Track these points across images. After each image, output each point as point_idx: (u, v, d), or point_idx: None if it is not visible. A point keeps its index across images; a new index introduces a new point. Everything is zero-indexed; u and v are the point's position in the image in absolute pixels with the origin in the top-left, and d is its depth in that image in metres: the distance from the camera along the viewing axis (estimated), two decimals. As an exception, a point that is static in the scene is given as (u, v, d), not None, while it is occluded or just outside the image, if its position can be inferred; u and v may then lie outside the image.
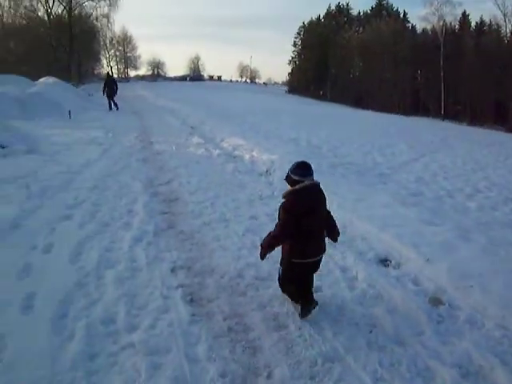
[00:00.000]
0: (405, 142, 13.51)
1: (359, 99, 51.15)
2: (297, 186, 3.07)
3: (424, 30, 53.28)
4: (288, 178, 3.16)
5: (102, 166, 8.30)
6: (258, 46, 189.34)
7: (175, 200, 6.24)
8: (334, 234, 3.45)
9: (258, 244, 3.47)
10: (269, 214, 5.65)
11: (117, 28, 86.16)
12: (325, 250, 3.35)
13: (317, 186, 3.20)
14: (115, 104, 19.99)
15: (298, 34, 69.24)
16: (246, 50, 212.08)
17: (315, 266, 3.37)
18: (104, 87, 19.86)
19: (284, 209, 3.07)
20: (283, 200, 3.16)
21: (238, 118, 17.69)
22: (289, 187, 3.19)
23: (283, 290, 3.52)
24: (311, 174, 3.14)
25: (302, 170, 3.11)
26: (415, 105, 48.87)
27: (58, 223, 5.13)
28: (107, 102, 19.92)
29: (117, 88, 19.95)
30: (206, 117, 16.76)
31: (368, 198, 6.28)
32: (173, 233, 5.04)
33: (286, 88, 74.23)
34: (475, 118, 40.27)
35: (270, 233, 3.24)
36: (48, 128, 12.97)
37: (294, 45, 69.82)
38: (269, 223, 5.31)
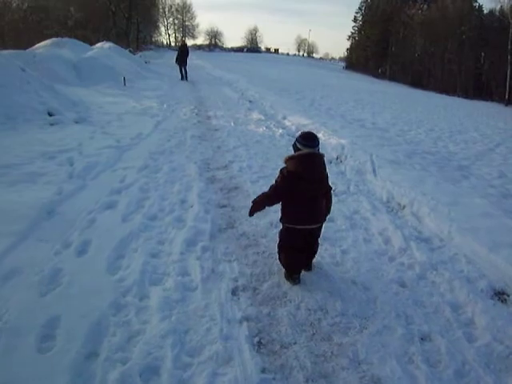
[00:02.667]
0: (475, 129, 12.23)
1: (419, 79, 48.64)
2: (295, 154, 3.12)
3: (491, 11, 49.14)
4: (294, 146, 3.19)
5: (154, 142, 7.46)
6: (318, 20, 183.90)
7: (235, 189, 5.27)
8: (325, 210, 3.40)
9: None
10: (348, 217, 4.59)
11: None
12: (322, 219, 3.31)
13: (316, 155, 3.15)
14: (186, 73, 19.50)
15: (360, 9, 66.04)
16: (305, 24, 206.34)
17: (312, 235, 3.32)
18: (177, 55, 19.51)
19: (281, 172, 3.14)
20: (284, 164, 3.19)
21: (297, 92, 16.79)
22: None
23: (279, 258, 3.42)
24: (315, 146, 3.13)
25: (306, 140, 3.12)
26: (478, 88, 45.77)
27: (100, 213, 4.30)
28: (178, 70, 19.62)
29: (186, 56, 19.52)
30: (265, 90, 15.74)
31: (460, 200, 5.01)
32: (233, 235, 4.08)
33: (343, 64, 71.48)
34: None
35: (263, 192, 3.28)
36: (101, 95, 12.39)
37: (355, 20, 66.76)
38: (350, 229, 4.28)
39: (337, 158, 6.97)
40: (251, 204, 3.24)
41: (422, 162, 7.03)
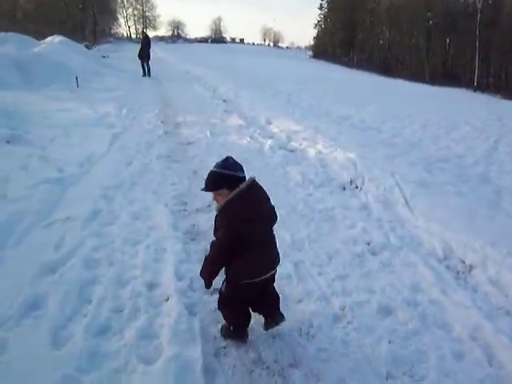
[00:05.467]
0: (464, 122, 11.16)
1: (387, 67, 48.22)
2: (231, 195, 2.35)
3: (457, -4, 48.98)
4: (222, 181, 2.36)
5: (109, 167, 5.71)
6: (282, 8, 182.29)
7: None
8: None
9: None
10: (409, 301, 3.03)
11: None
12: (279, 260, 2.60)
13: (256, 184, 2.46)
14: (149, 69, 17.69)
15: (325, -5, 64.49)
16: (269, 13, 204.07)
17: (270, 281, 2.61)
18: (140, 49, 17.68)
19: (220, 223, 2.39)
20: (219, 213, 2.41)
21: (270, 86, 15.39)
22: (215, 196, 2.45)
23: (230, 321, 2.63)
24: (243, 169, 2.44)
25: (237, 169, 2.39)
26: (445, 74, 45.62)
27: (19, 320, 2.60)
28: (141, 66, 17.76)
29: (149, 50, 17.71)
30: (237, 86, 14.11)
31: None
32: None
33: (309, 53, 70.31)
34: (509, 90, 36.43)
35: (205, 256, 2.50)
36: (47, 100, 10.39)
37: (320, 7, 65.58)
38: (422, 330, 2.75)
39: (351, 183, 5.42)
40: (202, 279, 2.54)
41: (447, 178, 5.68)
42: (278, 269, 3.26)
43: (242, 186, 2.36)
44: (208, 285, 2.55)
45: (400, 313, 2.90)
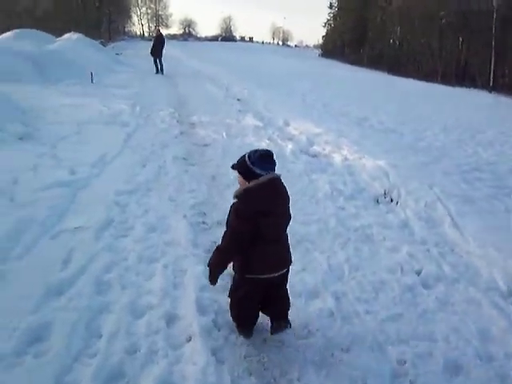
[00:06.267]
0: (488, 125, 10.50)
1: (398, 66, 47.39)
2: (252, 183, 2.33)
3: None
4: (243, 169, 2.37)
5: (122, 169, 5.36)
6: (292, 7, 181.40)
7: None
8: None
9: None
10: (483, 357, 2.49)
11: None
12: (290, 261, 2.55)
13: (279, 180, 2.44)
14: (161, 66, 17.42)
15: (335, -6, 64.03)
16: (279, 11, 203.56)
17: (279, 283, 2.53)
18: (152, 47, 17.50)
19: (236, 212, 2.33)
20: (234, 201, 2.39)
21: (283, 85, 15.02)
22: (239, 178, 2.42)
23: (231, 313, 2.59)
24: (274, 167, 2.40)
25: (264, 161, 2.35)
26: (460, 75, 44.71)
27: (18, 357, 2.24)
28: (153, 63, 17.50)
29: (162, 47, 17.47)
30: (251, 85, 13.83)
31: None
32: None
33: (318, 51, 69.80)
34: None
35: (217, 247, 2.44)
36: (62, 95, 10.14)
37: (330, 6, 64.75)
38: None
39: (385, 195, 4.99)
40: (208, 270, 2.49)
41: (488, 191, 5.23)
42: (318, 302, 2.94)
43: (264, 178, 2.33)
44: (213, 278, 2.46)
45: (472, 371, 2.37)
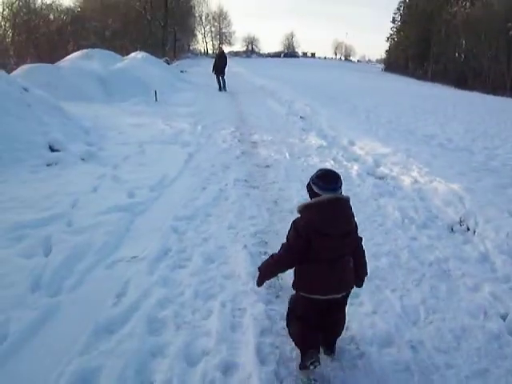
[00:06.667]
0: None
1: (464, 80, 45.13)
2: (312, 200, 2.35)
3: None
4: (308, 186, 2.42)
5: (182, 193, 5.21)
6: (354, 22, 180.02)
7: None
8: (358, 271, 2.46)
9: None
10: None
11: (213, 3, 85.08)
12: (348, 286, 2.42)
13: (341, 201, 2.33)
14: (224, 84, 17.62)
15: (398, 9, 62.40)
16: (341, 27, 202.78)
17: (333, 307, 2.42)
18: (214, 64, 17.74)
19: (294, 226, 2.34)
20: (298, 212, 2.38)
21: (346, 101, 14.66)
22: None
23: (289, 331, 2.51)
24: (338, 188, 2.31)
25: (325, 182, 2.31)
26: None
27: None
28: (216, 80, 17.76)
29: (225, 65, 17.60)
30: (314, 102, 13.46)
31: None
32: None
33: (381, 66, 68.55)
34: None
35: (271, 255, 2.48)
36: (126, 114, 10.37)
37: (393, 21, 63.57)
38: None
39: (460, 223, 4.46)
40: (257, 272, 2.46)
41: None
42: (393, 351, 2.55)
43: (322, 197, 2.29)
44: (260, 283, 2.47)
45: None
